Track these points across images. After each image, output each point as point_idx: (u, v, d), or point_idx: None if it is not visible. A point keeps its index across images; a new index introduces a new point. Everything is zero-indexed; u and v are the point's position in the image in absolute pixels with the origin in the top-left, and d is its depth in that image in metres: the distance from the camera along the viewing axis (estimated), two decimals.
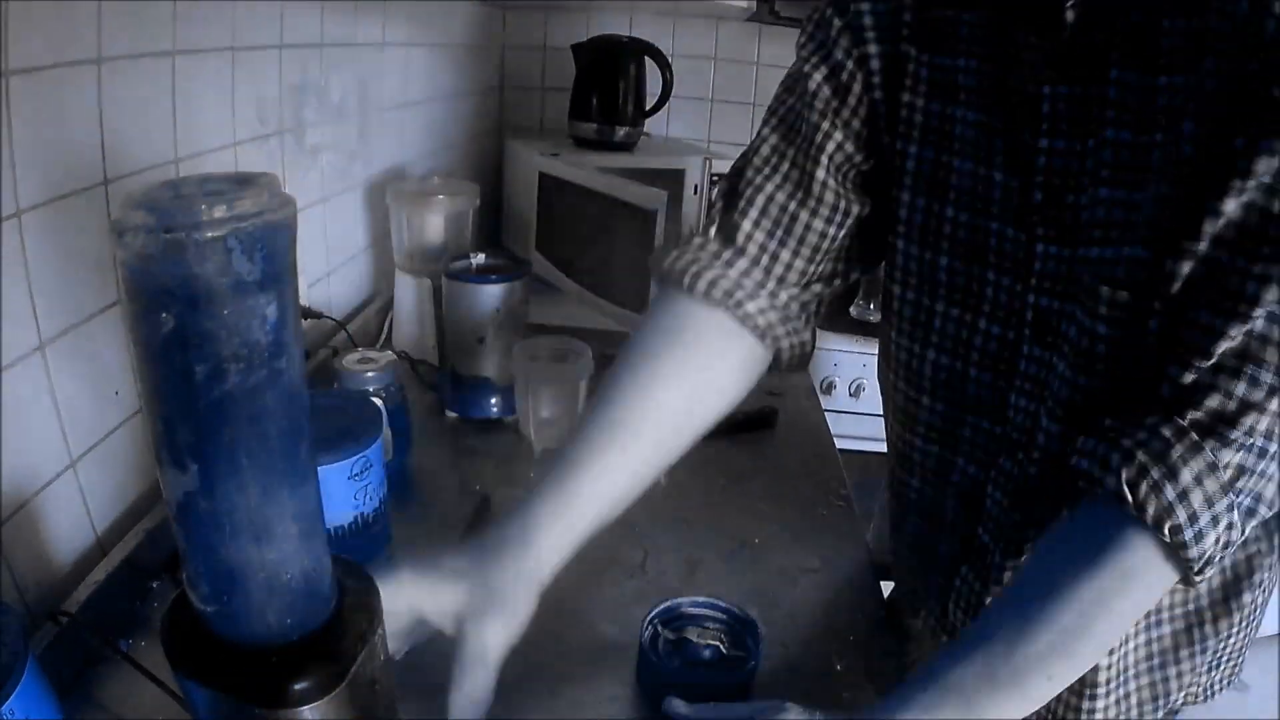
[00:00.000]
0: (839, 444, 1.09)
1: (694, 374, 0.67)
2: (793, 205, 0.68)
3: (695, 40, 1.87)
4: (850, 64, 0.66)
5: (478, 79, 1.75)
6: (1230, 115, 0.50)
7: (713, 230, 0.71)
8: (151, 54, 0.72)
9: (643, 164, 1.58)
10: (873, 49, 0.66)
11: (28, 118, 0.59)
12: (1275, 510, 0.52)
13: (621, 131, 1.62)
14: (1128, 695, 0.72)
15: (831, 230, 0.69)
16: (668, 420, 0.66)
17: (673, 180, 1.57)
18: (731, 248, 0.69)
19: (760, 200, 0.69)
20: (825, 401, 1.25)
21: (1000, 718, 0.51)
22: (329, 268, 1.16)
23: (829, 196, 0.68)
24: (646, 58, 1.62)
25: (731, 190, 0.71)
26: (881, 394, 0.80)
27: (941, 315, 0.67)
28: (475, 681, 0.53)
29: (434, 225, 1.18)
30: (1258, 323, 0.49)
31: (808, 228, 0.68)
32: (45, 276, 0.62)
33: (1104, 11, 0.54)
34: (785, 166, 0.69)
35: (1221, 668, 0.75)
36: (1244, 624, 0.73)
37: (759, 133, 0.71)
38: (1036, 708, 0.52)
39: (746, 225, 0.69)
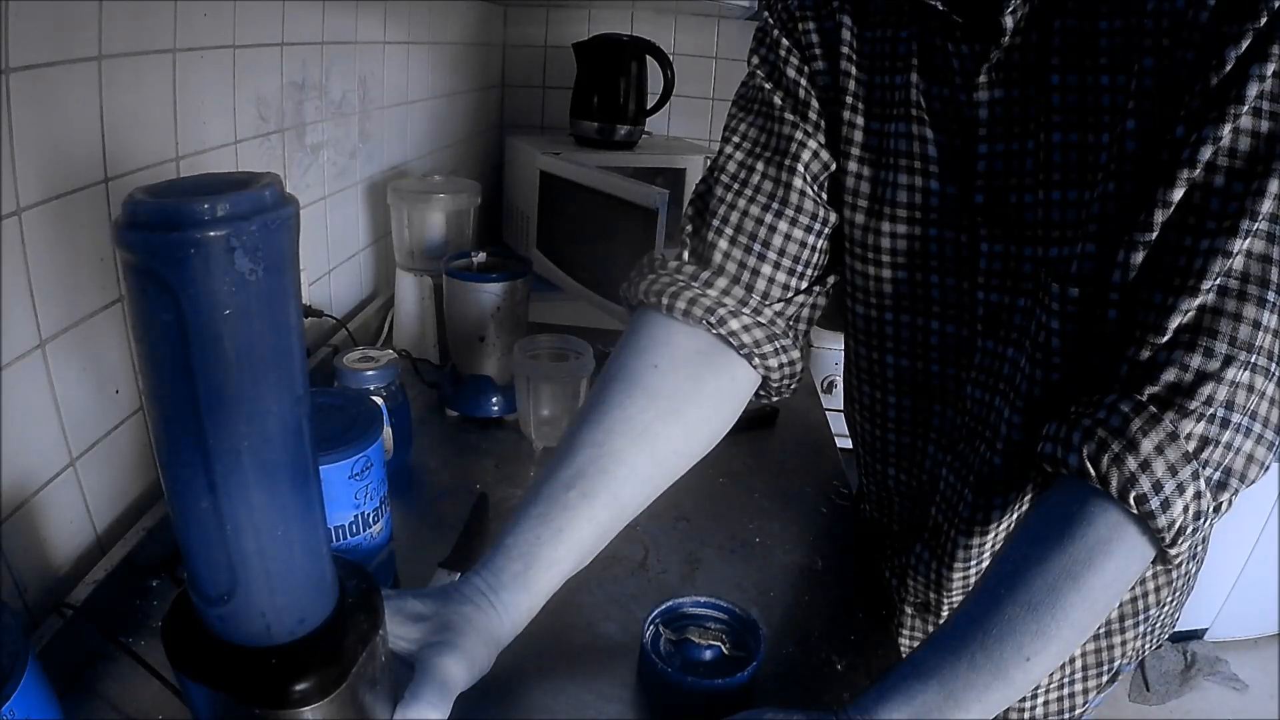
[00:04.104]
0: (839, 443, 1.09)
1: (680, 406, 0.65)
2: (769, 217, 0.67)
3: (696, 39, 1.87)
4: (804, 81, 0.67)
5: (479, 77, 1.75)
6: (1169, 108, 0.51)
7: (685, 254, 0.70)
8: (152, 52, 0.72)
9: (644, 162, 1.58)
10: (820, 65, 0.67)
11: (28, 116, 0.59)
12: (1249, 484, 0.52)
13: (623, 130, 1.62)
14: (1073, 661, 0.77)
15: (811, 239, 0.68)
16: (645, 468, 0.63)
17: (674, 179, 1.57)
18: (709, 268, 0.68)
19: (734, 217, 0.68)
20: (825, 401, 1.25)
21: (982, 702, 0.50)
22: (330, 266, 1.16)
23: (808, 205, 0.68)
24: (648, 56, 1.62)
25: (700, 211, 0.70)
26: (845, 394, 0.80)
27: (893, 323, 0.69)
28: (430, 704, 0.48)
29: (435, 223, 1.17)
30: (1208, 296, 0.50)
31: (787, 238, 0.68)
32: (45, 275, 0.62)
33: (1042, 16, 0.56)
34: (756, 179, 0.68)
35: (1155, 632, 0.79)
36: (1179, 592, 0.77)
37: (720, 151, 0.71)
38: (1022, 693, 0.52)
39: (722, 243, 0.68)
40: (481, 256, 1.04)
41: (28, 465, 0.63)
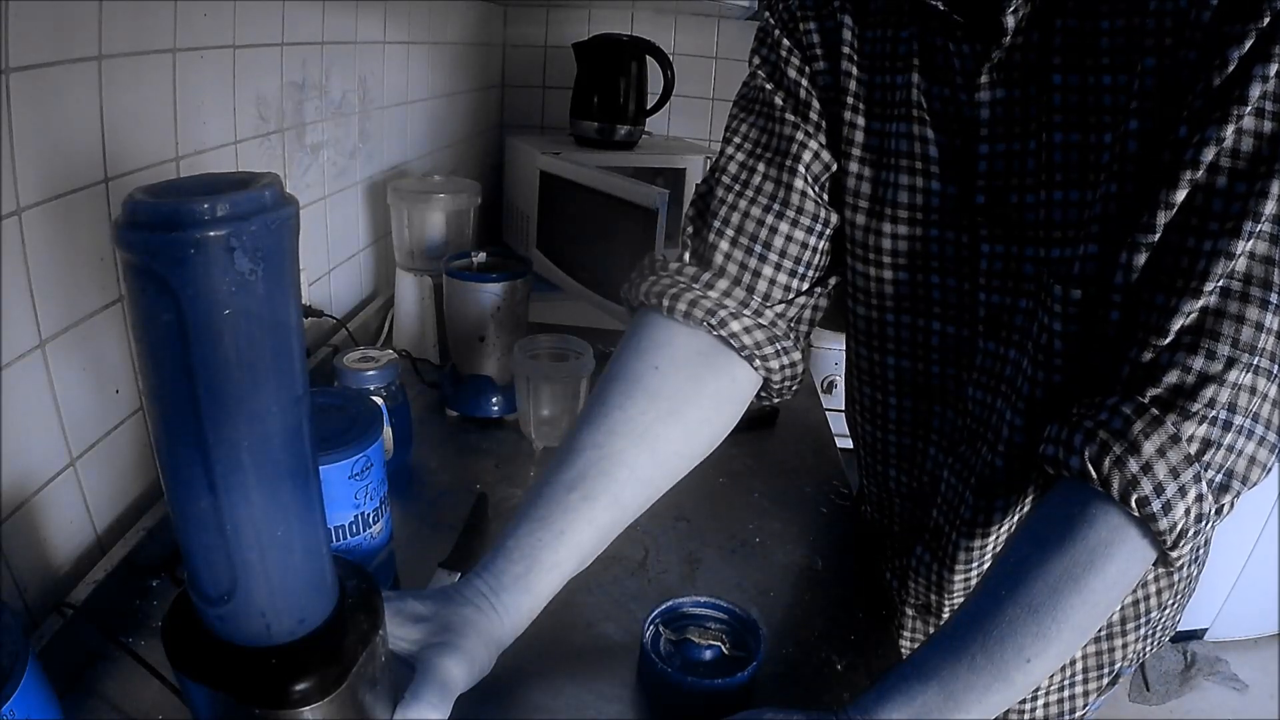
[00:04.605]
0: (839, 443, 1.09)
1: (681, 407, 0.65)
2: (770, 218, 0.67)
3: (696, 39, 1.87)
4: (805, 81, 0.67)
5: (479, 77, 1.75)
6: (1172, 108, 0.51)
7: (686, 255, 0.70)
8: (152, 51, 0.72)
9: (644, 162, 1.58)
10: (821, 65, 0.66)
11: (28, 115, 0.59)
12: (1251, 486, 0.52)
13: (623, 130, 1.62)
14: (1074, 663, 0.76)
15: (812, 240, 0.68)
16: (646, 470, 0.63)
17: (674, 179, 1.57)
18: (709, 270, 0.68)
19: (735, 218, 0.68)
20: (825, 401, 1.25)
21: (983, 704, 0.50)
22: (330, 265, 1.16)
23: (809, 206, 0.67)
24: (648, 56, 1.62)
25: (702, 213, 0.70)
26: (846, 395, 0.80)
27: (894, 324, 0.69)
28: (430, 704, 0.48)
29: (435, 223, 1.17)
30: (1211, 298, 0.50)
31: (788, 239, 0.67)
32: (46, 274, 0.62)
33: (1043, 16, 0.55)
34: (757, 180, 0.68)
35: (1157, 634, 0.79)
36: (1181, 595, 0.77)
37: (722, 152, 0.71)
38: (1022, 694, 0.51)
39: (723, 245, 0.68)
40: (481, 256, 1.04)
41: (28, 465, 0.63)
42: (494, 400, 1.02)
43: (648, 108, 1.65)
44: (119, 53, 0.67)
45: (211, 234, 0.31)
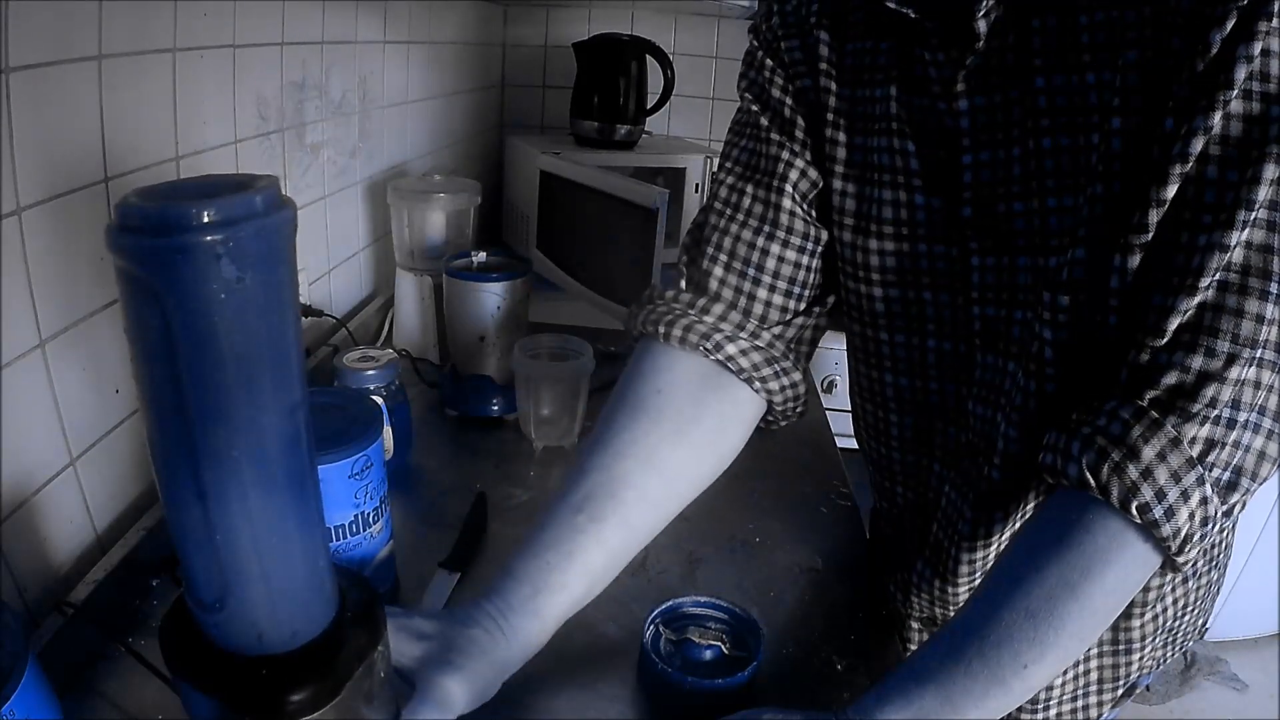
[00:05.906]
0: (839, 443, 1.09)
1: (685, 428, 0.65)
2: (760, 240, 0.67)
3: (696, 39, 1.87)
4: (789, 100, 0.66)
5: (479, 76, 1.75)
6: (1158, 101, 0.49)
7: (683, 283, 0.70)
8: (152, 51, 0.72)
9: (644, 162, 1.58)
10: (805, 83, 0.66)
11: (28, 115, 0.59)
12: (1262, 482, 0.51)
13: (623, 130, 1.62)
14: (1088, 673, 0.74)
15: (805, 260, 0.68)
16: (654, 491, 0.63)
17: (674, 179, 1.57)
18: (705, 295, 0.68)
19: (727, 243, 0.67)
20: (826, 401, 1.25)
21: (980, 708, 0.50)
22: (329, 265, 1.16)
23: (798, 225, 0.67)
24: (648, 56, 1.62)
25: (697, 240, 0.70)
26: (851, 412, 0.79)
27: (889, 342, 0.67)
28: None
29: (435, 223, 1.17)
30: (1208, 293, 0.48)
31: (781, 260, 0.67)
32: (45, 274, 0.62)
33: (1017, 17, 0.53)
34: (747, 203, 0.67)
35: (1178, 643, 0.77)
36: (1202, 600, 0.75)
37: (715, 179, 0.70)
38: (1021, 700, 0.51)
39: (717, 270, 0.67)
40: (481, 256, 1.04)
41: (28, 465, 0.63)
42: (494, 400, 1.02)
43: (648, 107, 1.64)
44: (119, 53, 0.67)
45: (198, 239, 0.30)
